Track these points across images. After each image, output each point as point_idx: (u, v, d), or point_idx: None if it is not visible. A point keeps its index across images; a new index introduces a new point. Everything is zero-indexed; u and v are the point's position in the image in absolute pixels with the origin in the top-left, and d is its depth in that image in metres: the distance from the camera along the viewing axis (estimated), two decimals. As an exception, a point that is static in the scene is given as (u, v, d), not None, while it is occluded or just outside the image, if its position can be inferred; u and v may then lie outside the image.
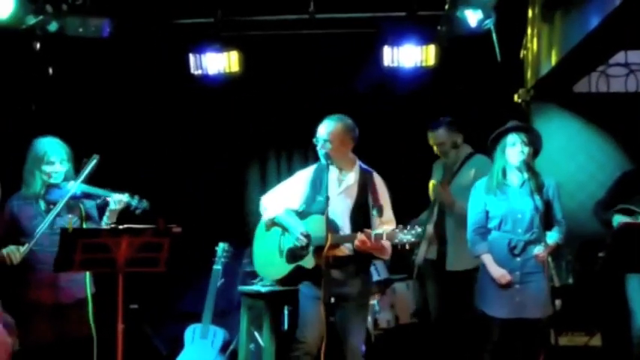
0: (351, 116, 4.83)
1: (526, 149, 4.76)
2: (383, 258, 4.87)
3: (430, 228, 5.75)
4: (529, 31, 6.20)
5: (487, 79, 6.58)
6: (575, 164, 6.23)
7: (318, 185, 4.74)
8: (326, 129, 4.73)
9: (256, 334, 6.19)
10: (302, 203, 4.79)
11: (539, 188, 4.71)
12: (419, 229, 4.44)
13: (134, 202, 4.57)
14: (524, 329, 4.72)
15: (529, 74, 6.28)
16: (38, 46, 6.31)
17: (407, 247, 4.41)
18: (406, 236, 4.39)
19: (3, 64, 5.84)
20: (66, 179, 4.61)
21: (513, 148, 4.78)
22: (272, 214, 4.81)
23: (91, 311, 4.55)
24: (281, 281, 4.89)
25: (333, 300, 4.57)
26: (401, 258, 6.77)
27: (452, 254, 5.59)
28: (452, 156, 5.77)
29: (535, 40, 6.10)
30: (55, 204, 4.54)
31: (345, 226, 4.68)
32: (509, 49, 6.24)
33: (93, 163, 4.54)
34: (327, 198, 4.42)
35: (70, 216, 4.58)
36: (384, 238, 4.43)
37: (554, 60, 5.62)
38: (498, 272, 4.74)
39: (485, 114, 6.26)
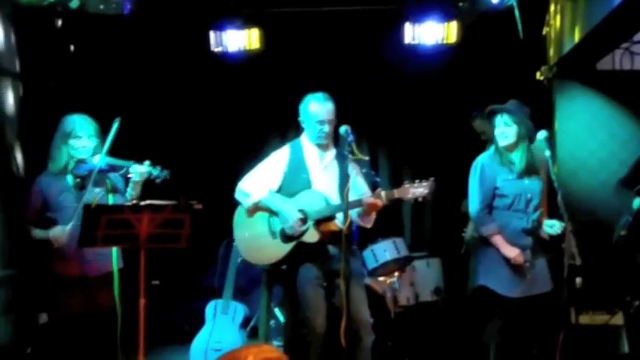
0: (371, 94, 4.84)
1: (509, 130, 4.74)
2: (367, 227, 4.85)
3: None
4: (552, 7, 6.13)
5: (509, 57, 6.52)
6: (597, 142, 6.18)
7: (298, 164, 4.76)
8: (320, 108, 4.74)
9: (276, 310, 6.23)
10: (281, 182, 4.80)
11: (535, 169, 4.75)
12: (430, 180, 4.44)
13: (155, 171, 4.59)
14: (536, 306, 4.73)
15: (552, 51, 6.22)
16: (60, 23, 6.35)
17: (420, 200, 4.44)
18: (418, 189, 4.43)
19: (25, 41, 5.86)
20: (94, 154, 4.64)
21: (497, 130, 4.79)
22: (257, 198, 4.77)
23: (117, 286, 4.59)
24: (279, 263, 4.80)
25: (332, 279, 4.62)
26: (421, 235, 6.84)
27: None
28: None
29: (558, 16, 6.04)
30: (82, 178, 4.60)
31: (334, 199, 4.71)
32: (531, 26, 6.18)
33: (115, 126, 4.56)
34: (348, 176, 4.47)
35: (97, 190, 4.63)
36: (395, 194, 4.47)
37: (577, 37, 5.56)
38: (512, 252, 4.71)
39: (507, 92, 6.21)
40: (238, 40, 6.77)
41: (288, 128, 7.43)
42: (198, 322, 6.00)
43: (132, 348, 4.65)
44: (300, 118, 4.85)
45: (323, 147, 4.81)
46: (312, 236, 4.64)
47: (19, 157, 5.61)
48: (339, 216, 4.70)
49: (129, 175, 4.62)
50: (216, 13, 6.70)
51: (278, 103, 7.27)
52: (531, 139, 4.76)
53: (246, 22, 6.70)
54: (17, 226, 5.05)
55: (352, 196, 4.65)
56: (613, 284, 5.62)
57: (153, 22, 6.70)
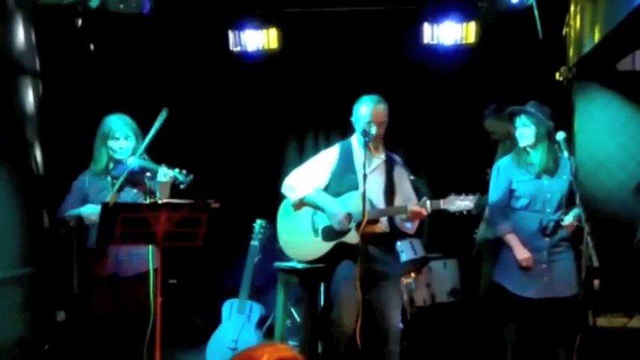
0: (390, 95, 4.83)
1: (527, 131, 4.74)
2: (409, 232, 4.85)
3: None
4: (572, 7, 6.09)
5: (528, 57, 6.48)
6: (617, 143, 6.14)
7: (346, 164, 4.76)
8: (370, 109, 4.71)
9: (293, 310, 6.24)
10: (328, 181, 4.81)
11: (555, 165, 4.73)
12: (476, 195, 4.43)
13: (181, 176, 4.58)
14: (555, 309, 4.70)
15: (571, 52, 6.18)
16: (80, 22, 6.39)
17: (465, 213, 4.43)
18: (464, 202, 4.41)
19: (45, 40, 5.90)
20: (133, 154, 4.67)
21: (517, 131, 4.81)
22: (302, 194, 4.80)
23: (152, 286, 4.57)
24: (319, 260, 4.86)
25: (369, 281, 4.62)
26: (439, 236, 6.81)
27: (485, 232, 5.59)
28: (507, 144, 5.76)
29: (578, 17, 6.00)
30: (117, 178, 4.63)
31: (379, 203, 4.71)
32: (551, 26, 6.15)
33: (162, 117, 4.63)
34: (365, 175, 4.44)
35: (134, 191, 4.67)
36: (441, 205, 4.45)
37: (597, 37, 5.52)
38: (523, 254, 4.72)
39: (526, 93, 6.18)
40: (257, 39, 6.79)
41: (305, 128, 7.46)
42: (215, 321, 6.01)
43: (147, 347, 4.69)
44: (352, 119, 4.84)
45: (372, 149, 4.77)
46: (353, 237, 4.64)
47: (38, 155, 5.66)
48: (384, 220, 4.71)
49: (154, 178, 4.62)
50: (234, 12, 6.71)
51: (296, 103, 7.29)
52: (552, 139, 4.74)
53: (265, 22, 6.71)
54: (37, 224, 5.10)
55: (398, 202, 4.72)
56: (632, 286, 5.58)
57: (172, 22, 6.72)
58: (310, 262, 4.98)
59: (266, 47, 6.80)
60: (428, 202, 4.49)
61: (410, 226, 4.74)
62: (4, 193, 5.23)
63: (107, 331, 4.60)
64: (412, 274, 6.12)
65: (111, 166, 4.71)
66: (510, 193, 4.84)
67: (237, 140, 7.25)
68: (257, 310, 5.97)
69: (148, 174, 4.60)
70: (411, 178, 5.00)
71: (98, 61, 6.54)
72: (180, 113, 7.01)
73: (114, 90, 6.51)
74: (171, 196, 4.53)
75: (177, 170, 4.57)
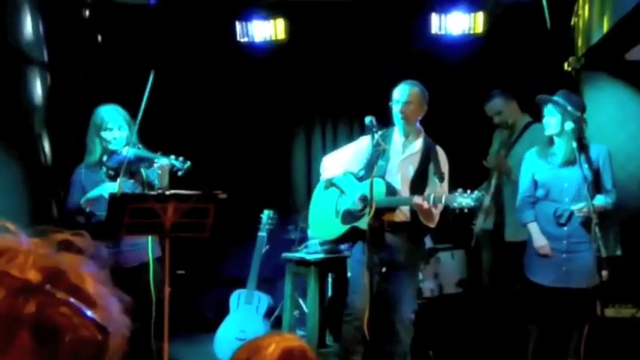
0: (397, 84, 4.82)
1: (553, 120, 4.73)
2: (429, 226, 4.82)
3: (488, 199, 5.77)
4: (580, -3, 6.07)
5: (537, 47, 6.45)
6: (626, 134, 6.10)
7: (381, 150, 4.73)
8: (406, 91, 4.75)
9: (300, 300, 6.26)
10: (362, 167, 4.83)
11: (586, 158, 4.69)
12: (478, 193, 4.41)
13: (177, 163, 4.54)
14: (569, 299, 4.70)
15: (580, 42, 6.15)
16: (87, 13, 6.39)
17: (466, 210, 4.39)
18: (465, 200, 4.36)
19: (53, 31, 5.91)
20: (127, 145, 4.65)
21: (544, 120, 4.81)
22: (330, 175, 4.89)
23: (152, 275, 4.59)
24: (335, 241, 5.09)
25: (384, 269, 4.64)
26: (445, 228, 6.80)
27: (510, 225, 5.61)
28: (504, 134, 5.76)
29: (586, 6, 5.96)
30: (113, 169, 4.63)
31: (404, 192, 4.71)
32: (559, 16, 6.12)
33: (151, 80, 4.61)
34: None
35: (131, 182, 4.65)
36: (442, 200, 4.42)
37: (605, 27, 5.49)
38: (539, 242, 4.76)
39: (534, 83, 6.16)
40: (264, 30, 6.78)
41: (313, 118, 7.45)
42: (223, 311, 6.03)
43: (155, 336, 4.70)
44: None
45: (410, 136, 4.77)
46: (364, 223, 4.62)
47: (46, 146, 5.67)
48: (404, 208, 4.70)
49: (152, 166, 4.62)
50: (242, 3, 6.70)
51: (304, 94, 7.28)
52: (581, 129, 4.73)
53: (272, 13, 6.70)
54: (45, 214, 5.10)
55: (426, 191, 4.68)
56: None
57: (179, 13, 6.72)
58: (329, 242, 5.23)
59: (273, 38, 6.79)
60: (431, 196, 4.47)
61: (427, 220, 4.68)
62: (13, 183, 5.25)
63: None
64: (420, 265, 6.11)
65: (104, 157, 4.69)
66: (535, 183, 4.88)
67: (245, 131, 7.24)
68: (265, 300, 5.98)
69: (146, 163, 4.60)
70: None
71: (106, 53, 6.55)
72: (187, 104, 7.08)
73: (120, 81, 6.51)
74: (175, 186, 4.52)
75: (172, 157, 4.54)
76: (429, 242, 6.06)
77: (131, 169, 4.62)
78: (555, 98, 4.76)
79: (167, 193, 4.28)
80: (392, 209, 4.65)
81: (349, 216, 4.79)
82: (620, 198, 5.82)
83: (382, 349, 4.69)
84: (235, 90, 7.19)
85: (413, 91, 4.74)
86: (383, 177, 4.66)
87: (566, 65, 6.22)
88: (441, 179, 4.60)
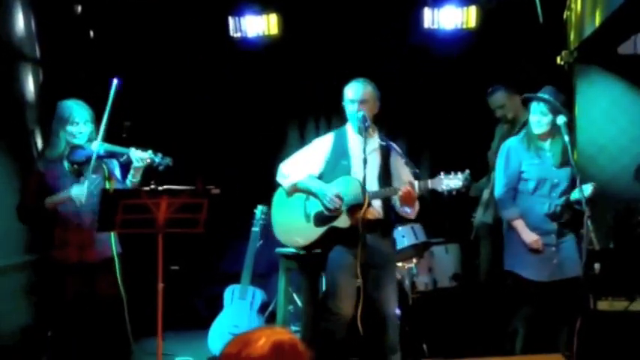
0: (391, 79, 4.85)
1: (545, 119, 4.75)
2: (409, 217, 4.84)
3: (487, 192, 5.80)
4: (573, -9, 6.08)
5: (529, 41, 6.46)
6: (618, 127, 6.11)
7: (340, 151, 4.76)
8: (360, 90, 4.73)
9: (295, 295, 6.26)
10: (322, 169, 4.81)
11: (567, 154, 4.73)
12: (465, 173, 4.46)
13: (157, 158, 4.49)
14: (564, 290, 4.74)
15: (572, 36, 6.15)
16: (79, 8, 6.38)
17: (454, 193, 4.45)
18: (452, 181, 4.43)
19: (45, 27, 5.90)
20: (89, 140, 4.59)
21: (533, 117, 4.81)
22: (294, 180, 4.81)
23: (119, 271, 4.58)
24: (311, 246, 4.88)
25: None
26: (438, 221, 6.82)
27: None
28: (505, 128, 5.78)
29: (579, 0, 5.97)
30: (77, 164, 4.55)
31: (373, 188, 4.69)
32: (552, 10, 6.13)
33: (113, 88, 4.48)
34: (365, 160, 4.46)
35: (94, 176, 4.54)
36: (430, 185, 4.49)
37: (598, 21, 5.50)
38: (531, 237, 4.76)
39: (527, 77, 6.17)
40: (257, 25, 6.77)
41: (306, 114, 7.44)
42: (217, 307, 6.03)
43: (148, 332, 4.71)
44: (343, 104, 4.84)
45: (366, 135, 4.73)
46: (344, 221, 4.65)
47: (39, 142, 5.67)
48: (377, 204, 4.71)
49: (129, 161, 4.55)
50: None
51: (297, 89, 7.27)
52: (571, 128, 4.78)
53: (265, 8, 6.70)
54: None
55: (395, 185, 4.70)
56: (633, 270, 5.58)
57: (172, 8, 6.70)
58: (303, 248, 4.97)
59: (266, 33, 6.78)
60: (416, 183, 4.53)
61: (409, 211, 4.73)
62: (5, 180, 5.25)
63: (84, 317, 4.57)
64: (414, 259, 6.12)
65: (66, 151, 4.59)
66: (519, 175, 4.86)
67: (238, 126, 7.23)
68: (259, 295, 5.99)
69: (123, 157, 4.55)
70: (414, 170, 4.97)
71: (98, 48, 6.53)
72: (180, 99, 7.07)
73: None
74: (169, 181, 4.49)
75: (150, 152, 4.50)
76: (422, 236, 6.07)
77: (95, 164, 4.52)
78: (548, 97, 4.76)
79: (160, 188, 4.27)
80: (367, 207, 4.59)
81: (323, 218, 4.74)
82: (613, 191, 5.85)
83: (373, 342, 4.70)
84: (228, 85, 7.18)
85: (367, 90, 4.74)
86: (348, 175, 4.70)
87: (558, 59, 6.23)
88: (412, 167, 4.64)
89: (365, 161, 4.45)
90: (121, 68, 6.59)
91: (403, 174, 4.78)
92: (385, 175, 4.74)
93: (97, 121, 4.60)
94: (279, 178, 4.91)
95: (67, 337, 4.65)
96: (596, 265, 4.52)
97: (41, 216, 4.57)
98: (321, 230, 4.75)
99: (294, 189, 4.84)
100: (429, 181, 4.51)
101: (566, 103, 4.82)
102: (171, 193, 4.19)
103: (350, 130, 4.84)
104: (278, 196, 4.99)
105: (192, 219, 4.27)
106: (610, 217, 5.65)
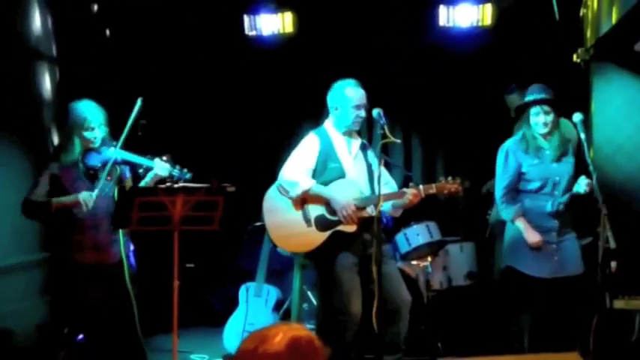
0: (405, 77, 4.85)
1: (548, 118, 4.79)
2: (395, 216, 4.95)
3: None
4: (589, -12, 6.04)
5: (545, 39, 6.43)
6: (634, 125, 6.06)
7: (328, 152, 4.75)
8: (359, 93, 4.76)
9: (309, 293, 6.26)
10: (313, 171, 4.77)
11: (566, 149, 4.83)
12: (465, 180, 4.61)
13: (175, 172, 4.48)
14: (567, 288, 4.77)
15: (589, 33, 6.11)
16: (96, 7, 6.40)
17: (454, 195, 4.61)
18: (453, 186, 4.56)
19: (62, 26, 5.93)
20: (103, 143, 4.57)
21: (537, 119, 4.82)
22: (307, 186, 4.68)
23: (127, 270, 4.56)
24: (314, 251, 4.77)
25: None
26: (454, 219, 6.81)
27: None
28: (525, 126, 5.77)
29: (595, -3, 5.94)
30: (93, 169, 4.56)
31: (365, 188, 4.74)
32: (568, 7, 6.09)
33: (138, 106, 4.49)
34: (388, 162, 4.56)
35: (108, 179, 4.55)
36: (434, 190, 4.59)
37: (614, 18, 5.47)
38: (534, 238, 4.79)
39: (543, 75, 6.14)
40: (272, 23, 6.78)
41: (321, 112, 7.44)
42: (232, 304, 6.05)
43: (163, 329, 4.72)
44: (332, 104, 4.84)
45: (351, 135, 4.79)
46: (350, 227, 4.65)
47: (55, 140, 5.69)
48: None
49: (146, 171, 4.55)
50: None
51: (312, 87, 7.25)
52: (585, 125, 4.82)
53: (280, 6, 6.70)
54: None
55: (380, 182, 4.70)
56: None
57: (187, 6, 6.72)
58: (309, 255, 4.90)
59: (281, 31, 6.79)
60: (421, 187, 4.60)
61: (398, 215, 4.91)
62: (22, 177, 5.28)
63: (102, 318, 4.60)
64: (429, 258, 6.12)
65: (80, 156, 4.58)
66: (519, 176, 4.89)
67: (253, 124, 7.25)
68: (274, 293, 6.00)
69: (140, 168, 4.54)
70: (394, 162, 5.04)
71: (114, 47, 6.56)
72: (195, 98, 7.09)
73: (129, 75, 6.53)
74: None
75: (169, 166, 4.48)
76: (437, 235, 6.06)
77: (110, 168, 4.53)
78: (549, 97, 4.78)
79: (176, 186, 4.29)
80: (362, 208, 4.65)
81: (326, 223, 4.70)
82: (630, 189, 5.81)
83: (385, 335, 4.70)
84: (243, 84, 7.19)
85: (362, 95, 4.79)
86: (341, 177, 4.71)
87: (575, 57, 6.20)
88: (404, 170, 4.74)
89: (387, 163, 4.63)
90: (137, 67, 6.67)
91: (385, 173, 4.83)
92: (371, 177, 4.76)
93: (110, 123, 4.61)
94: (285, 186, 4.75)
95: (84, 336, 4.68)
96: (613, 264, 4.50)
97: (45, 214, 4.56)
98: (325, 234, 4.71)
99: (306, 196, 4.72)
100: (433, 186, 4.62)
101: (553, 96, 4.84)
102: (187, 190, 4.21)
103: (332, 129, 4.83)
104: (270, 200, 4.86)
105: (208, 217, 4.28)
106: (626, 215, 5.62)
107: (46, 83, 5.73)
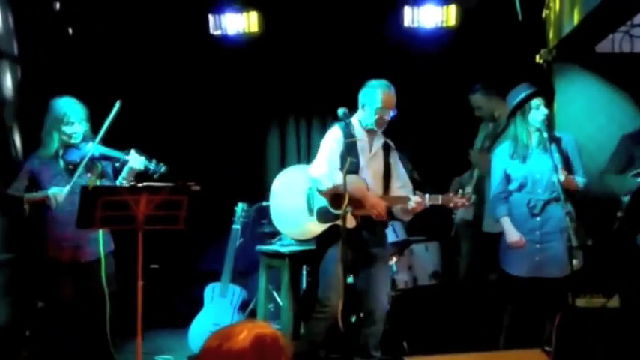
0: (371, 78, 4.87)
1: (546, 110, 4.80)
2: (404, 220, 5.00)
3: (469, 189, 5.82)
4: (551, -11, 6.12)
5: (508, 40, 6.50)
6: (596, 125, 6.17)
7: (349, 147, 4.75)
8: (393, 98, 4.79)
9: (275, 293, 6.26)
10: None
11: (556, 144, 4.80)
12: (473, 196, 4.73)
13: (152, 166, 4.57)
14: (542, 288, 4.78)
15: (551, 34, 6.20)
16: (58, 5, 6.33)
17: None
18: (460, 201, 4.63)
19: (23, 24, 5.85)
20: (84, 139, 4.63)
21: (538, 111, 4.80)
22: (338, 182, 4.59)
23: (104, 270, 4.58)
24: (310, 240, 4.97)
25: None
26: (419, 219, 6.84)
27: (488, 216, 5.65)
28: (490, 126, 5.84)
29: (557, -1, 6.02)
30: (72, 164, 4.59)
31: (377, 189, 4.77)
32: (530, 9, 6.17)
33: (116, 109, 4.53)
34: (389, 166, 4.76)
35: (89, 175, 4.62)
36: (440, 202, 4.63)
37: (576, 19, 5.55)
38: (512, 237, 4.82)
39: (506, 75, 6.20)
40: (237, 23, 6.75)
41: (287, 112, 7.44)
42: (197, 305, 6.01)
43: (128, 331, 4.68)
44: (361, 101, 4.82)
45: (374, 134, 4.80)
46: (350, 222, 4.65)
47: (17, 139, 5.62)
48: None
49: (123, 165, 4.59)
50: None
51: (277, 88, 7.26)
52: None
53: (245, 5, 6.68)
54: (16, 209, 5.05)
55: (396, 186, 4.84)
56: (611, 268, 5.63)
57: (151, 5, 6.67)
58: (301, 240, 5.12)
59: (247, 31, 6.77)
60: (427, 197, 4.62)
61: (406, 220, 5.03)
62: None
63: (70, 316, 4.60)
64: (394, 257, 6.13)
65: (61, 151, 4.63)
66: (507, 178, 4.93)
67: (218, 124, 7.21)
68: (239, 293, 5.97)
69: (114, 162, 4.57)
70: (409, 168, 5.10)
71: (77, 45, 6.49)
72: (160, 97, 7.04)
73: (93, 73, 6.46)
74: (148, 178, 4.51)
75: (145, 159, 4.57)
76: (402, 234, 6.08)
77: (88, 164, 4.58)
78: (534, 89, 4.81)
79: (139, 185, 4.26)
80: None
81: (328, 215, 4.77)
82: (591, 189, 5.89)
83: (356, 335, 4.76)
84: (208, 83, 7.16)
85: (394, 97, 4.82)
86: (357, 173, 4.70)
87: (537, 57, 6.27)
88: (416, 174, 4.74)
89: (388, 164, 4.74)
90: (100, 66, 6.60)
91: (402, 175, 4.93)
92: (387, 176, 4.83)
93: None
94: (322, 182, 4.71)
95: (49, 336, 4.65)
96: (575, 262, 4.54)
97: (19, 209, 4.57)
98: (324, 226, 4.79)
99: (337, 190, 4.67)
100: (440, 197, 4.64)
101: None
102: (151, 190, 4.18)
103: (357, 125, 4.84)
104: (282, 182, 5.02)
105: (173, 216, 4.25)
106: (588, 214, 5.70)
107: (7, 82, 5.65)
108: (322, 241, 4.85)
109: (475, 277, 5.91)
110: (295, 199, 4.92)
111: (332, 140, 4.83)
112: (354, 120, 4.88)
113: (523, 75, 5.61)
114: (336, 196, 4.69)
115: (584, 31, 5.64)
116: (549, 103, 4.94)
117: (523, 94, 4.82)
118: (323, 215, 4.80)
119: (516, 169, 4.87)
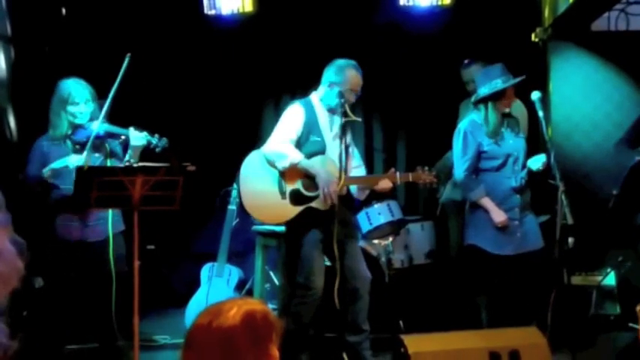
0: (366, 57, 4.88)
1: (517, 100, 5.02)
2: (360, 198, 5.09)
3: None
4: (547, -33, 6.09)
5: (504, 18, 6.47)
6: (592, 104, 6.16)
7: (311, 125, 4.75)
8: (360, 80, 4.77)
9: (271, 273, 6.27)
10: (296, 142, 4.75)
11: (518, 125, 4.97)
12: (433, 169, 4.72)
13: (154, 140, 4.60)
14: (530, 263, 4.82)
15: (547, 12, 6.18)
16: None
17: (428, 186, 4.73)
18: (429, 176, 4.67)
19: (16, 4, 5.81)
20: (91, 119, 4.66)
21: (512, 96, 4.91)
22: (296, 160, 4.66)
23: (111, 249, 4.61)
24: (284, 223, 4.88)
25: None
26: (415, 199, 6.85)
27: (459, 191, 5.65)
28: (471, 105, 5.79)
29: (553, -23, 6.00)
30: (79, 144, 4.62)
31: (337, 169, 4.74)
32: (527, -13, 6.15)
33: (126, 62, 4.66)
34: (348, 146, 4.66)
35: (96, 155, 4.66)
36: (410, 178, 4.69)
37: (572, -3, 5.53)
38: (500, 217, 4.80)
39: (502, 53, 6.18)
40: (231, 2, 6.71)
41: (281, 92, 7.41)
42: (194, 285, 6.03)
43: (127, 311, 4.70)
44: (328, 79, 4.79)
45: (334, 113, 4.78)
46: (321, 203, 4.66)
47: (11, 121, 5.61)
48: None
49: (127, 142, 4.63)
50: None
51: (272, 67, 7.23)
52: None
53: (239, -16, 6.64)
54: (11, 189, 5.04)
55: (352, 166, 4.85)
56: (605, 246, 5.65)
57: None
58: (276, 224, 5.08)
59: (241, 10, 6.73)
60: (398, 174, 4.66)
61: (363, 197, 5.06)
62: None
63: (75, 296, 4.64)
64: (390, 237, 6.14)
65: (69, 131, 4.67)
66: (479, 155, 4.91)
67: (213, 104, 7.19)
68: (236, 273, 5.99)
69: (122, 138, 4.60)
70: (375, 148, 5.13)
71: (70, 25, 6.46)
72: (154, 77, 7.00)
73: (86, 54, 6.42)
74: (144, 158, 4.52)
75: (146, 134, 4.59)
76: (398, 214, 6.08)
77: (97, 143, 4.62)
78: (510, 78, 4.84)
79: (135, 165, 4.27)
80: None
81: (300, 197, 4.72)
82: (587, 168, 5.90)
83: (346, 314, 4.78)
84: (202, 63, 7.12)
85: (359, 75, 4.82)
86: (322, 153, 4.72)
87: (533, 36, 6.26)
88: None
89: (347, 146, 4.65)
90: (94, 45, 6.56)
91: (356, 153, 4.99)
92: (347, 156, 4.75)
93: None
94: (272, 157, 4.70)
95: (47, 316, 4.69)
96: (570, 240, 4.56)
97: (42, 187, 4.64)
98: (298, 209, 4.73)
99: (293, 168, 4.68)
100: (410, 174, 4.70)
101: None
102: (147, 170, 4.17)
103: (317, 103, 4.82)
104: (248, 167, 4.84)
105: (168, 196, 4.24)
106: (583, 192, 5.71)
107: (1, 63, 5.63)
108: (293, 225, 4.79)
109: (465, 256, 5.91)
110: (266, 182, 4.77)
111: (292, 116, 4.77)
112: (313, 97, 4.85)
113: (519, 53, 5.62)
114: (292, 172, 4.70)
115: (580, 9, 5.63)
116: (542, 84, 4.96)
117: (500, 85, 4.80)
118: (296, 198, 4.73)
119: (496, 148, 4.87)
